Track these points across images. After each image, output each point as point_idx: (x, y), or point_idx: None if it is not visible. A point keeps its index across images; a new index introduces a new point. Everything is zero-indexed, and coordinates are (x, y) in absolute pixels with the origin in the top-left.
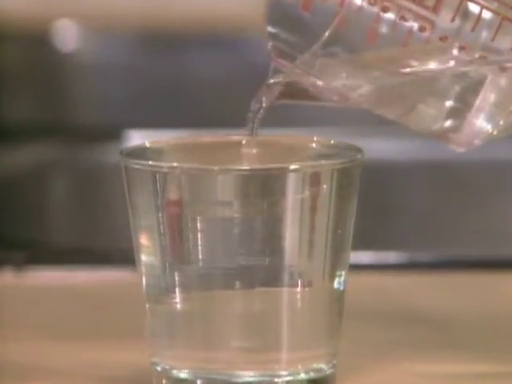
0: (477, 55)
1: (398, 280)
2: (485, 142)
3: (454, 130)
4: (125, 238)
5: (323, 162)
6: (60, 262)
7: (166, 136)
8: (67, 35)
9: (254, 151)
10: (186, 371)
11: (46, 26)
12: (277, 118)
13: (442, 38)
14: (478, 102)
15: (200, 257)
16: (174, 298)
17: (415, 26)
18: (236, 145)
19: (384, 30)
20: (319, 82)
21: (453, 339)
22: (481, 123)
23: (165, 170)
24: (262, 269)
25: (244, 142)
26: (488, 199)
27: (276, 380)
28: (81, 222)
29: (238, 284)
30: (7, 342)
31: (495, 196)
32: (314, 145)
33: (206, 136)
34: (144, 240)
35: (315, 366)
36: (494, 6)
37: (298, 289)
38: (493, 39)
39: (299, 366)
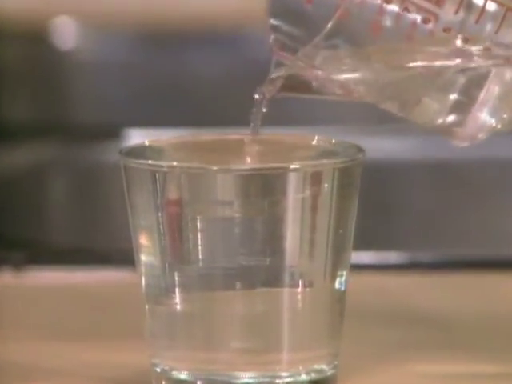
0: (481, 47)
1: (400, 280)
2: (488, 135)
3: (458, 123)
4: (124, 237)
5: (324, 161)
6: (59, 261)
7: (165, 135)
8: (66, 33)
9: (255, 150)
10: (185, 372)
11: (45, 24)
12: (278, 116)
13: (446, 30)
14: (482, 95)
15: (200, 257)
16: (174, 298)
17: (418, 18)
18: (236, 144)
19: (388, 22)
20: (322, 75)
21: (454, 339)
22: (485, 117)
23: (164, 169)
24: (263, 269)
25: (244, 140)
26: (490, 199)
27: (277, 381)
28: (80, 221)
29: (238, 284)
30: (7, 343)
31: (498, 196)
32: (315, 144)
33: (207, 135)
34: (144, 240)
35: (316, 366)
36: None
37: (299, 289)
38: (497, 31)
39: (300, 367)
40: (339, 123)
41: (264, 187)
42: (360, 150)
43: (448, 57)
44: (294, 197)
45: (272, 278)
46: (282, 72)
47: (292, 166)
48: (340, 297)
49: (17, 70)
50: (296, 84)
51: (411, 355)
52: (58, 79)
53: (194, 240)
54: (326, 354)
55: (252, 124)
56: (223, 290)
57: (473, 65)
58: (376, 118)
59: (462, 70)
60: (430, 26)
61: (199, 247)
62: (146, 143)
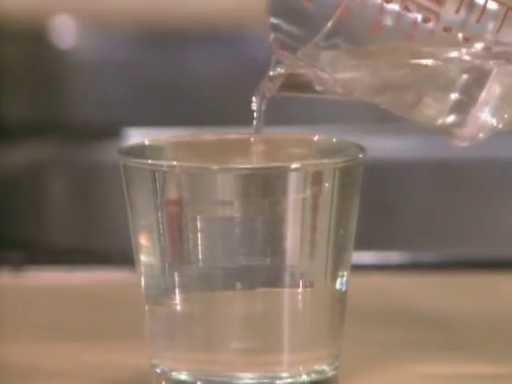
0: (482, 47)
1: (401, 280)
2: (489, 135)
3: (459, 123)
4: (124, 237)
5: (325, 160)
6: (59, 262)
7: (165, 134)
8: (65, 32)
9: (255, 150)
10: (185, 373)
11: (44, 23)
12: (279, 115)
13: (447, 29)
14: (483, 95)
15: (200, 257)
16: (174, 298)
17: (419, 17)
18: (237, 143)
19: (388, 21)
20: (322, 74)
21: (455, 340)
22: (485, 117)
23: (164, 168)
24: (263, 269)
25: (245, 140)
26: (492, 199)
27: (277, 382)
28: (79, 221)
29: (238, 285)
30: (6, 343)
31: (499, 196)
32: (315, 143)
33: (207, 134)
34: (143, 240)
35: (317, 367)
36: None
37: (300, 289)
38: (498, 31)
39: (301, 368)
40: (340, 122)
41: (264, 187)
42: (361, 149)
43: (449, 56)
44: (294, 196)
45: (272, 278)
46: (281, 70)
47: (293, 166)
48: (341, 297)
49: (16, 68)
50: (296, 83)
51: (412, 356)
52: (57, 78)
53: (194, 240)
54: (327, 354)
55: (255, 122)
56: (223, 291)
57: (474, 64)
58: (377, 117)
59: (463, 70)
60: (430, 25)
61: (199, 247)
62: (146, 142)
